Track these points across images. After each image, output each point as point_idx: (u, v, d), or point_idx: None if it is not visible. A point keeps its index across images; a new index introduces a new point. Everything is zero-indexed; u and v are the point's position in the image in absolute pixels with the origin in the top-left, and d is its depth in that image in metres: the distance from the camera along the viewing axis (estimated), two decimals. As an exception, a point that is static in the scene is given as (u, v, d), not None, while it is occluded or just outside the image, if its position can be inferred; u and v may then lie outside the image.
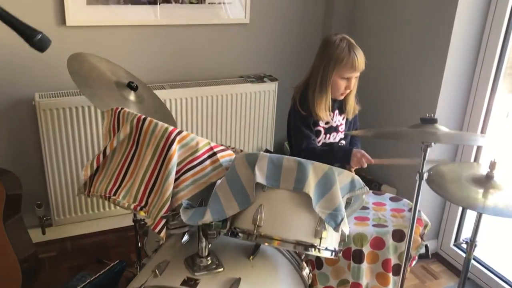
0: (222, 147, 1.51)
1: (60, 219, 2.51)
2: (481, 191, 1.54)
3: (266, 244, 1.34)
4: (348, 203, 1.46)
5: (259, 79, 2.78)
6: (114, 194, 1.42)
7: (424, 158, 1.33)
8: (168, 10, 2.49)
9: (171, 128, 1.41)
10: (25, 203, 2.46)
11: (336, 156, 1.92)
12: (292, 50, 2.90)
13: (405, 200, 1.84)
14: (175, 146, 1.38)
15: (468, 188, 1.55)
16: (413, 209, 1.40)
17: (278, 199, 1.32)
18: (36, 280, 2.12)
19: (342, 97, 1.96)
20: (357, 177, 1.38)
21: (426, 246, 1.72)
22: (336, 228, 1.29)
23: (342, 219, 1.30)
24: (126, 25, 2.44)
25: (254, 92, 2.71)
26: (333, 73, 1.86)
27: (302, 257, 1.65)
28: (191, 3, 2.51)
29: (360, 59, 1.86)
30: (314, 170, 1.31)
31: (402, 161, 1.61)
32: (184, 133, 1.42)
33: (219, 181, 1.43)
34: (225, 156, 1.50)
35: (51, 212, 2.47)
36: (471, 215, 2.59)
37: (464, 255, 2.51)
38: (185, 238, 1.49)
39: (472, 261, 2.48)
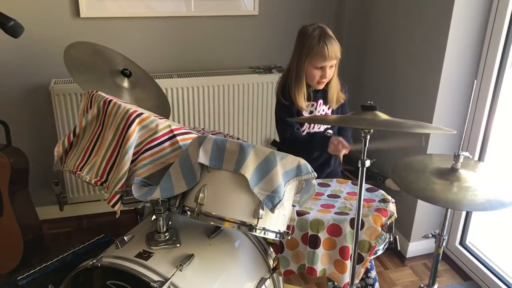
0: (184, 130, 1.59)
1: (75, 197, 2.70)
2: (443, 183, 1.50)
3: (212, 223, 1.39)
4: (301, 189, 1.50)
5: (268, 69, 2.82)
6: (80, 170, 1.54)
7: (364, 145, 1.33)
8: (179, 1, 2.60)
9: (132, 110, 1.50)
10: (44, 181, 2.70)
11: (315, 143, 1.93)
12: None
13: (380, 191, 1.82)
14: (134, 127, 1.48)
15: (429, 179, 1.52)
16: (357, 196, 1.40)
17: (221, 180, 1.38)
18: (39, 252, 2.29)
19: (320, 86, 1.95)
20: (304, 162, 1.40)
21: (395, 239, 1.70)
22: (272, 210, 1.33)
23: (279, 201, 1.33)
24: (136, 17, 2.58)
25: (261, 82, 2.75)
26: (306, 62, 1.87)
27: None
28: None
29: (331, 48, 1.83)
30: (255, 153, 1.35)
31: (383, 144, 1.59)
32: (145, 115, 1.52)
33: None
34: (187, 139, 1.56)
35: (66, 190, 2.67)
36: (478, 215, 2.48)
37: (469, 255, 2.46)
38: (154, 216, 1.58)
39: (478, 264, 2.39)
